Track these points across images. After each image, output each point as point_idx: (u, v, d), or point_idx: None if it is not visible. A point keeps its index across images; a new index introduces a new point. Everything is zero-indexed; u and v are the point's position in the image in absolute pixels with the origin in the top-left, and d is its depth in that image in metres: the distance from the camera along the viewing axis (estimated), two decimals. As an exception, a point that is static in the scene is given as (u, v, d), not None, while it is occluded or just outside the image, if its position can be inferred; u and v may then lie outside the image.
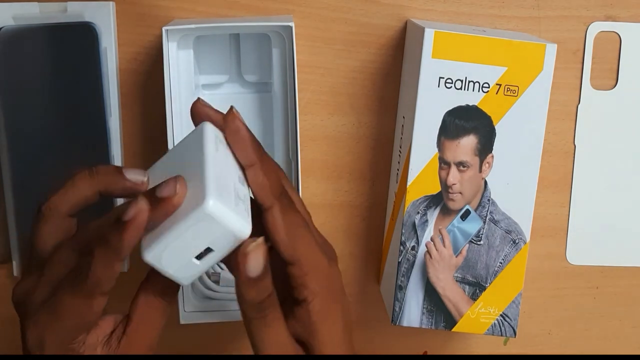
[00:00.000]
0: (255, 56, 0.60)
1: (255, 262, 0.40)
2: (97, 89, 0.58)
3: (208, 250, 0.41)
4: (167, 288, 0.43)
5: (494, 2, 0.61)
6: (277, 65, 0.57)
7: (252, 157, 0.42)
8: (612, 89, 0.62)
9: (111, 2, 0.58)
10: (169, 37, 0.55)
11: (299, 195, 0.47)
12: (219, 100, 0.61)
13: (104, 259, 0.40)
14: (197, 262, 0.41)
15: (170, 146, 0.55)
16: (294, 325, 0.44)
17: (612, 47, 0.62)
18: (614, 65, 0.62)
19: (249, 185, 0.43)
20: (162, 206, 0.40)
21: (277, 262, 0.43)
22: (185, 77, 0.57)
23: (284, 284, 0.44)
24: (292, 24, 0.54)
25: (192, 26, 0.54)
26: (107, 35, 0.58)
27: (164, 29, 0.53)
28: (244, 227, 0.40)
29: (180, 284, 0.42)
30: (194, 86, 0.57)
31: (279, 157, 0.59)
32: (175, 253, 0.40)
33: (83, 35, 0.57)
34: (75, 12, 0.58)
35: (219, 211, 0.39)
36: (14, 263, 0.60)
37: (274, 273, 0.42)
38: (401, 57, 0.61)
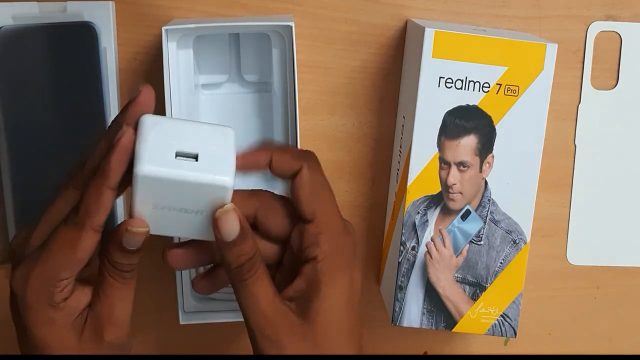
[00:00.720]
0: (255, 56, 0.60)
1: (228, 226, 0.42)
2: (97, 89, 0.58)
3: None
4: (123, 264, 0.43)
5: (495, 2, 0.61)
6: (277, 65, 0.57)
7: (263, 160, 0.45)
8: (612, 88, 0.62)
9: (111, 2, 0.58)
10: (169, 37, 0.55)
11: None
12: (218, 100, 0.60)
13: (94, 187, 0.41)
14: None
15: None
16: (298, 283, 0.44)
17: (612, 46, 0.62)
18: (614, 65, 0.62)
19: (274, 173, 0.45)
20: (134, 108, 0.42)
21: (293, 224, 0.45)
22: (185, 77, 0.57)
23: (298, 247, 0.45)
24: (292, 23, 0.54)
25: (192, 26, 0.54)
26: (106, 34, 0.58)
27: (163, 28, 0.53)
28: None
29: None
30: (193, 86, 0.57)
31: (278, 157, 0.59)
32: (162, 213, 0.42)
33: (82, 35, 0.57)
34: (74, 12, 0.58)
35: (152, 171, 0.40)
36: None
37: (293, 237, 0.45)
38: (401, 57, 0.61)
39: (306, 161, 0.45)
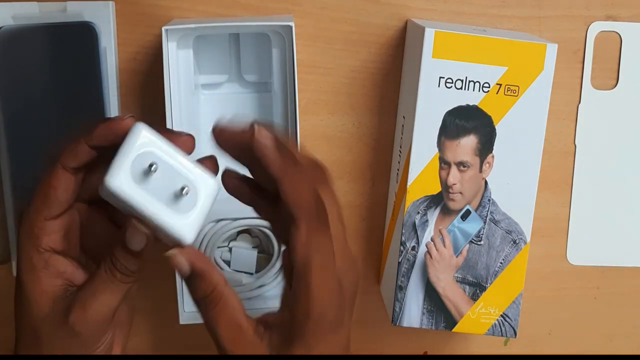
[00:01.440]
0: (255, 56, 0.60)
1: (180, 267, 0.43)
2: (97, 89, 0.58)
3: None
4: (122, 264, 0.44)
5: (495, 2, 0.61)
6: (277, 65, 0.57)
7: (277, 170, 0.42)
8: (612, 88, 0.62)
9: (111, 2, 0.58)
10: (169, 37, 0.55)
11: (336, 210, 0.45)
12: (218, 100, 0.60)
13: (74, 136, 0.43)
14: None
15: None
16: (284, 317, 0.43)
17: (612, 46, 0.62)
18: (614, 65, 0.62)
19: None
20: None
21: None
22: (185, 77, 0.57)
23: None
24: (292, 23, 0.54)
25: (192, 26, 0.54)
26: (106, 34, 0.58)
27: (163, 28, 0.53)
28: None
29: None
30: (193, 86, 0.57)
31: (278, 157, 0.59)
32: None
33: (83, 35, 0.57)
34: (74, 12, 0.57)
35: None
36: (14, 263, 0.60)
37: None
38: (401, 57, 0.61)
39: (306, 215, 0.42)
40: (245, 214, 0.58)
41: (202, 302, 0.43)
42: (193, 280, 0.43)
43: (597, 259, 0.65)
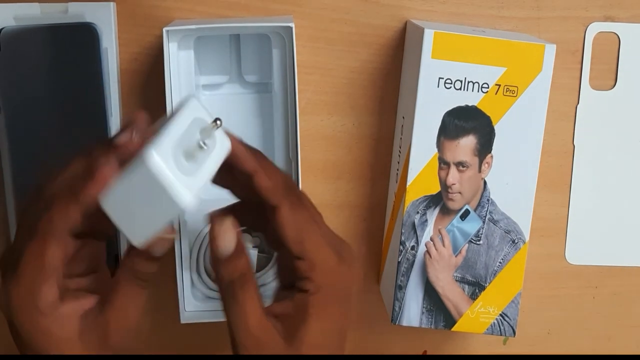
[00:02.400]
0: (256, 57, 0.60)
1: (225, 242, 0.42)
2: (98, 90, 0.58)
3: (153, 209, 0.41)
4: (142, 272, 0.44)
5: (493, 3, 0.61)
6: (278, 66, 0.57)
7: (252, 165, 0.44)
8: (611, 89, 0.63)
9: (112, 3, 0.58)
10: (170, 38, 0.55)
11: (307, 197, 0.47)
12: (219, 101, 0.61)
13: (64, 208, 0.41)
14: (145, 218, 0.41)
15: None
16: (288, 304, 0.44)
17: (611, 47, 0.62)
18: (612, 65, 0.62)
19: (257, 192, 0.44)
20: (120, 151, 0.41)
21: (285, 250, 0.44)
22: (186, 78, 0.57)
23: (291, 270, 0.45)
24: (292, 24, 0.54)
25: (193, 27, 0.54)
26: (107, 35, 0.58)
27: (164, 29, 0.54)
28: (180, 193, 0.39)
29: (133, 243, 0.42)
30: (194, 86, 0.58)
31: (279, 157, 0.59)
32: (126, 206, 0.40)
33: (84, 36, 0.57)
34: (76, 13, 0.58)
35: (156, 166, 0.39)
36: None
37: (284, 255, 0.45)
38: (401, 57, 0.61)
39: (286, 198, 0.44)
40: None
41: (232, 284, 0.43)
42: (232, 257, 0.43)
43: (596, 258, 0.65)
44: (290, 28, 0.54)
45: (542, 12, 0.61)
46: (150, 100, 0.61)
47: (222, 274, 0.43)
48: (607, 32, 0.62)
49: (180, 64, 0.56)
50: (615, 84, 0.62)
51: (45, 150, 0.58)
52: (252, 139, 0.60)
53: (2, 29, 0.57)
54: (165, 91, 0.55)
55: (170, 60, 0.55)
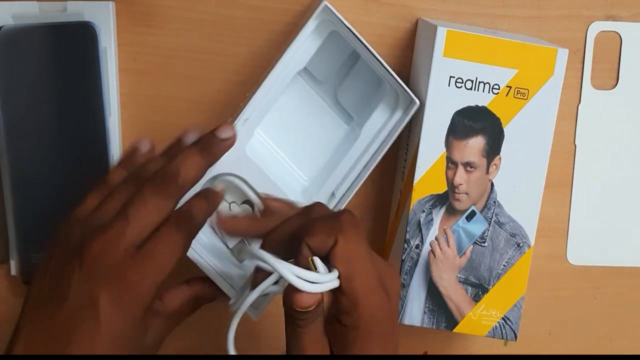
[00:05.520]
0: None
1: (307, 301, 0.42)
2: (97, 89, 0.57)
3: None
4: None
5: (495, 2, 0.60)
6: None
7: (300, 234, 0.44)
8: (612, 88, 0.63)
9: (111, 2, 0.58)
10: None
11: (361, 226, 0.47)
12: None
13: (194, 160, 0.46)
14: None
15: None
16: (332, 332, 0.44)
17: (612, 46, 0.62)
18: (614, 65, 0.62)
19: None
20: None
21: None
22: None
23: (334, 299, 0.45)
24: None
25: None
26: (106, 34, 0.58)
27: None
28: None
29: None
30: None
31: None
32: None
33: (82, 35, 0.57)
34: (74, 12, 0.57)
35: None
36: (12, 262, 0.59)
37: None
38: (410, 57, 0.60)
39: (341, 232, 0.43)
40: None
41: (299, 315, 0.43)
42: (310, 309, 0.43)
43: (597, 259, 0.65)
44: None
45: (544, 11, 0.61)
46: (150, 100, 0.60)
47: (290, 303, 0.43)
48: (608, 31, 0.62)
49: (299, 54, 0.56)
50: (617, 83, 0.62)
51: (44, 150, 0.58)
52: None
53: (0, 27, 0.56)
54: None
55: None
